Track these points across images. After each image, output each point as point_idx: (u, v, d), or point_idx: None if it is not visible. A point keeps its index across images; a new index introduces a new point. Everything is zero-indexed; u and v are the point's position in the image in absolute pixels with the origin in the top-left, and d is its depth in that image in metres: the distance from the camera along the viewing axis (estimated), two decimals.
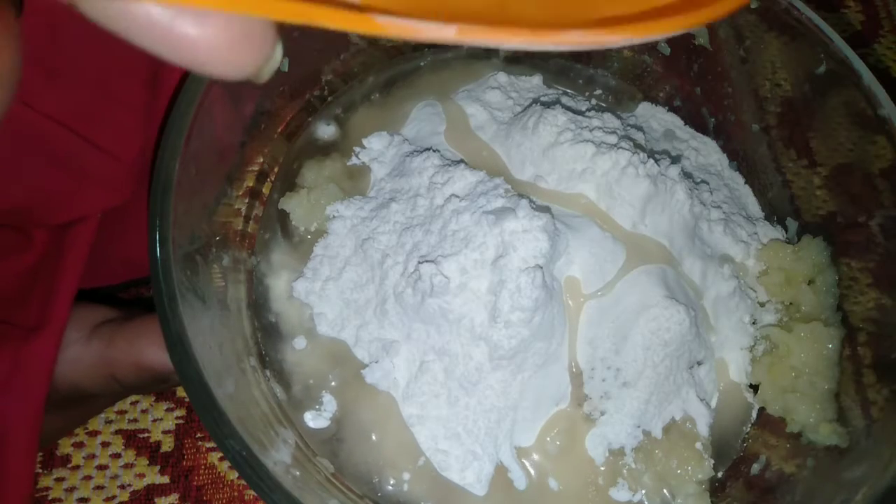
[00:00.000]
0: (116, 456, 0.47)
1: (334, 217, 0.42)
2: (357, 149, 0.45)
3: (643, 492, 0.38)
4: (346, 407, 0.39)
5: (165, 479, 0.46)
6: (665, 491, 0.38)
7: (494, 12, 0.18)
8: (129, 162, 0.41)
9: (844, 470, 0.37)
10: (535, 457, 0.38)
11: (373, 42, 0.50)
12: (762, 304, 0.44)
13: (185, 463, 0.47)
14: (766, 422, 0.42)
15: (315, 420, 0.38)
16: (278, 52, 0.17)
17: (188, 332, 0.30)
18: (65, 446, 0.47)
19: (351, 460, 0.38)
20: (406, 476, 0.38)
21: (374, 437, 0.38)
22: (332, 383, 0.39)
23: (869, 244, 0.40)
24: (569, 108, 0.44)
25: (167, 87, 0.40)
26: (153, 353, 0.39)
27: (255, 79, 0.17)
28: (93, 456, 0.47)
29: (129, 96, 0.40)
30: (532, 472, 0.38)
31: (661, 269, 0.40)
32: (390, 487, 0.38)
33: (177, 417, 0.48)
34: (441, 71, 0.48)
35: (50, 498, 0.46)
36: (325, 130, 0.46)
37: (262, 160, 0.44)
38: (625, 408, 0.38)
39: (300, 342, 0.40)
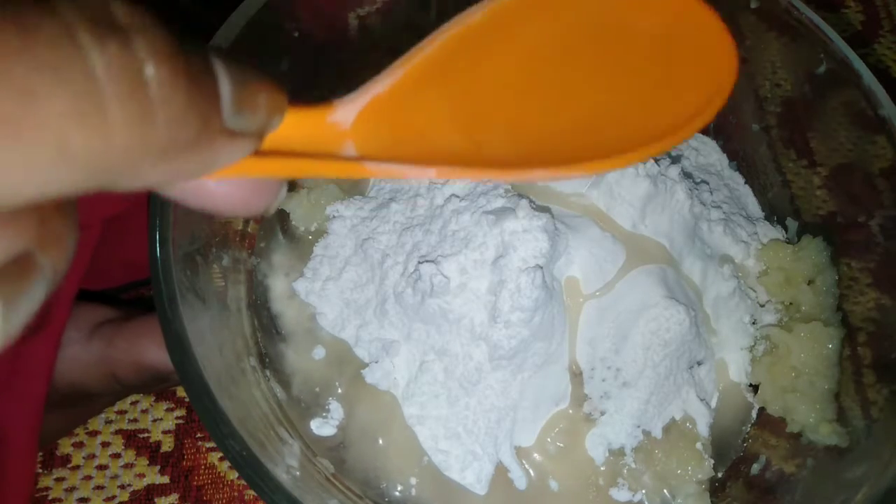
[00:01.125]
0: (116, 456, 0.47)
1: (334, 217, 0.42)
2: None
3: (643, 492, 0.38)
4: (352, 411, 0.39)
5: (165, 479, 0.46)
6: (665, 491, 0.38)
7: (471, 150, 0.21)
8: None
9: (844, 470, 0.37)
10: (536, 457, 0.38)
11: (373, 43, 0.50)
12: (762, 304, 0.44)
13: (185, 463, 0.47)
14: (766, 422, 0.42)
15: (321, 428, 0.38)
16: (283, 191, 0.21)
17: (188, 332, 0.30)
18: (65, 446, 0.47)
19: (359, 466, 0.38)
20: (413, 480, 0.38)
21: (380, 442, 0.38)
22: (339, 390, 0.39)
23: (869, 244, 0.40)
24: None
25: None
26: (153, 352, 0.39)
27: (265, 213, 0.21)
28: (93, 456, 0.47)
29: None
30: (532, 472, 0.38)
31: (661, 269, 0.40)
32: (398, 493, 0.38)
33: (177, 417, 0.48)
34: None
35: (50, 498, 0.46)
36: None
37: None
38: (625, 408, 0.38)
39: (319, 352, 0.40)
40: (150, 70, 0.14)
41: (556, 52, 0.23)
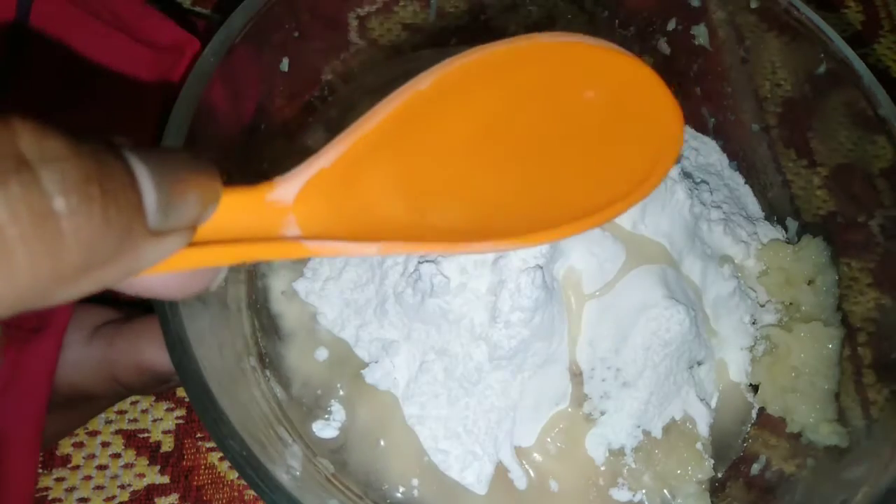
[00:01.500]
0: (116, 456, 0.47)
1: None
2: None
3: (643, 492, 0.38)
4: (353, 413, 0.39)
5: (165, 479, 0.46)
6: (665, 491, 0.38)
7: (416, 221, 0.21)
8: None
9: (844, 470, 0.37)
10: (536, 457, 0.38)
11: (373, 42, 0.50)
12: (762, 304, 0.44)
13: (185, 463, 0.47)
14: (766, 422, 0.42)
15: (323, 430, 0.38)
16: (222, 272, 0.20)
17: (188, 332, 0.30)
18: (65, 446, 0.47)
19: (361, 468, 0.38)
20: (415, 482, 0.38)
21: (381, 444, 0.38)
22: (341, 392, 0.39)
23: (869, 244, 0.40)
24: None
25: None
26: (154, 353, 0.39)
27: (207, 291, 0.20)
28: (93, 456, 0.47)
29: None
30: (532, 472, 0.38)
31: (661, 268, 0.40)
32: (399, 495, 0.38)
33: (177, 417, 0.48)
34: None
35: (50, 498, 0.46)
36: (325, 130, 0.46)
37: (261, 161, 0.44)
38: (625, 408, 0.38)
39: (319, 352, 0.40)
40: (59, 203, 0.14)
41: (504, 121, 0.23)
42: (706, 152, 0.48)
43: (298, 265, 0.42)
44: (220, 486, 0.47)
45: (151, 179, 0.16)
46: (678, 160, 0.46)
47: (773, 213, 0.47)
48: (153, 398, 0.49)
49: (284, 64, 0.43)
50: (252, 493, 0.41)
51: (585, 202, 0.23)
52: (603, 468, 0.38)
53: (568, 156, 0.23)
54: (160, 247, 0.16)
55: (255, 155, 0.43)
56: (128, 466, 0.47)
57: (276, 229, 0.20)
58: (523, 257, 0.35)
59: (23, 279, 0.13)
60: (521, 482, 0.38)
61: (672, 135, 0.24)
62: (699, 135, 0.49)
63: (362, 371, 0.39)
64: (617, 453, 0.38)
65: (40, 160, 0.14)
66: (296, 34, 0.42)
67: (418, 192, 0.22)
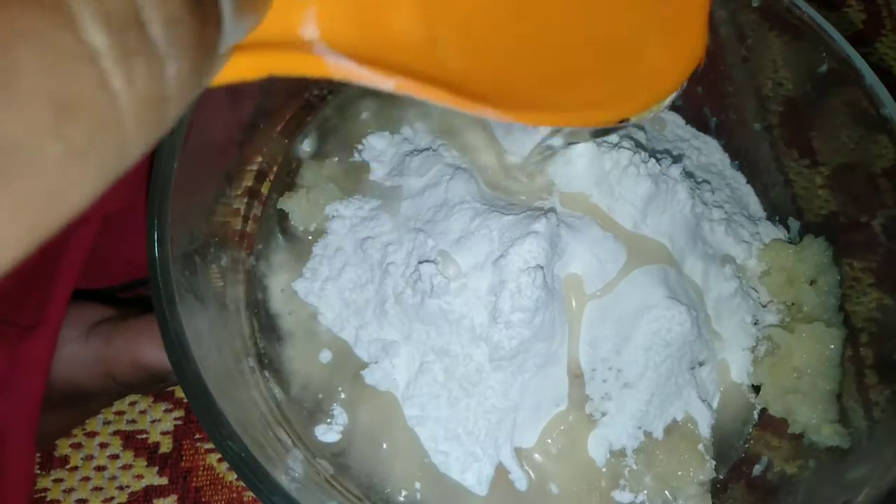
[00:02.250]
0: (115, 457, 0.47)
1: (333, 217, 0.42)
2: (359, 146, 0.45)
3: (644, 493, 0.38)
4: (354, 415, 0.38)
5: (164, 481, 0.46)
6: (666, 492, 0.38)
7: (427, 52, 0.20)
8: (134, 165, 0.40)
9: (846, 471, 0.37)
10: (536, 458, 0.38)
11: None
12: (764, 305, 0.43)
13: (183, 464, 0.47)
14: (768, 423, 0.42)
15: (326, 434, 0.38)
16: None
17: (186, 332, 0.30)
18: (63, 447, 0.47)
19: (363, 471, 0.38)
20: (417, 485, 0.37)
21: (384, 447, 0.38)
22: (342, 395, 0.39)
23: (871, 244, 0.40)
24: None
25: None
26: (151, 351, 0.39)
27: None
28: (91, 457, 0.47)
29: None
30: (533, 473, 0.38)
31: (663, 269, 0.39)
32: (402, 498, 0.37)
33: (175, 418, 0.48)
34: None
35: (48, 499, 0.46)
36: (325, 129, 0.46)
37: (260, 159, 0.44)
38: (626, 409, 0.38)
39: (319, 353, 0.40)
40: (171, 73, 0.13)
41: None
42: (708, 152, 0.48)
43: (298, 265, 0.41)
44: (219, 487, 0.47)
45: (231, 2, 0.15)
46: (680, 160, 0.45)
47: (775, 213, 0.47)
48: (151, 399, 0.49)
49: None
50: (251, 494, 0.41)
51: (593, 93, 0.22)
52: (604, 469, 0.38)
53: (588, 36, 0.22)
54: (218, 66, 0.15)
55: (254, 154, 0.43)
56: (126, 467, 0.47)
57: (297, 24, 0.19)
58: (524, 257, 0.35)
59: (128, 147, 0.13)
60: (521, 483, 0.37)
61: (693, 42, 0.23)
62: (701, 134, 0.49)
63: (362, 372, 0.38)
64: (618, 454, 0.38)
65: (157, 18, 0.13)
66: None
67: (438, 17, 0.21)
